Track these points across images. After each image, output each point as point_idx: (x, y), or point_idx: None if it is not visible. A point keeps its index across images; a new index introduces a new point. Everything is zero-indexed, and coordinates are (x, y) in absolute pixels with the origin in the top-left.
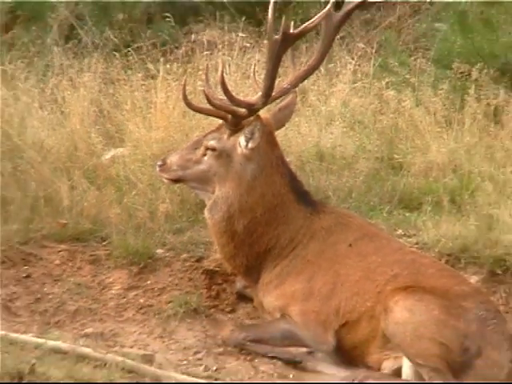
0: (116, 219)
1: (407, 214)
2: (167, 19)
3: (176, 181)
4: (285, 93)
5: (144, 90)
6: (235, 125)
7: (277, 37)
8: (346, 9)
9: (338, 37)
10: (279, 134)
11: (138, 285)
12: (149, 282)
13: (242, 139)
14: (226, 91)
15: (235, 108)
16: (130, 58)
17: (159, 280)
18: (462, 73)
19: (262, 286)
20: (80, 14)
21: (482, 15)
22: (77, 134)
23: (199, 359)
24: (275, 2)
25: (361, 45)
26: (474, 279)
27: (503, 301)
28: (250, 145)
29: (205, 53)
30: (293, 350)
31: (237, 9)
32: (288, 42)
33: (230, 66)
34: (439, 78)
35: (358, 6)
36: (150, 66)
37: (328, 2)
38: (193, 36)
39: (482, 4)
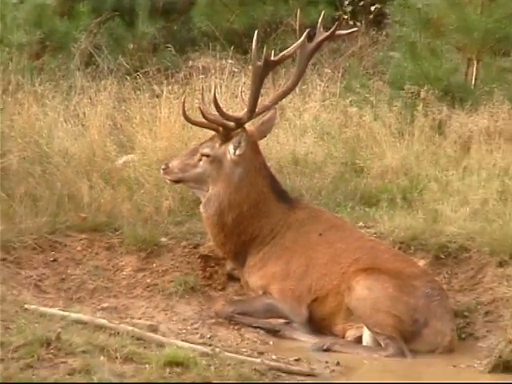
0: (127, 213)
1: (367, 209)
2: (169, 48)
3: (177, 181)
4: (266, 109)
5: (150, 107)
6: (225, 136)
7: (259, 63)
8: (317, 40)
9: (310, 63)
10: (262, 144)
11: (145, 267)
12: (154, 264)
13: (230, 147)
14: (217, 108)
15: (225, 122)
16: (139, 80)
17: (163, 263)
18: (412, 93)
19: (247, 268)
20: (97, 44)
21: (428, 45)
22: (95, 143)
23: (196, 328)
24: (258, 34)
25: (329, 70)
26: (421, 263)
27: (446, 280)
28: (237, 152)
29: (200, 76)
30: (273, 321)
31: (226, 40)
32: (269, 67)
33: (221, 87)
34: (393, 97)
35: (327, 38)
36: (155, 87)
37: (302, 34)
38: (190, 62)
39: (428, 36)
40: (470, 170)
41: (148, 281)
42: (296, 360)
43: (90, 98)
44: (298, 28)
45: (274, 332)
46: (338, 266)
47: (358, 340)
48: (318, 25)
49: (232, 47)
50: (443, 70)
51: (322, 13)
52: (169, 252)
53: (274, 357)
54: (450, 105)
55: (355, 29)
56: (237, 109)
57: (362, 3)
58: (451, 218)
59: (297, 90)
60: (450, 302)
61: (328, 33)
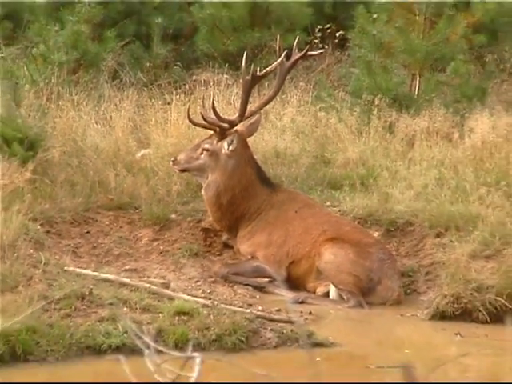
0: (144, 195)
1: (333, 192)
2: (177, 66)
3: (183, 171)
4: (253, 114)
5: (162, 112)
6: (221, 134)
7: (248, 77)
8: (292, 59)
9: (288, 77)
10: (250, 140)
11: (159, 237)
12: (166, 235)
13: (225, 144)
14: (215, 112)
15: (221, 123)
16: (153, 91)
17: (172, 234)
18: (368, 101)
19: (238, 238)
20: (121, 62)
21: (381, 64)
22: (119, 140)
23: (198, 285)
24: (247, 55)
25: (303, 83)
26: (376, 234)
27: (394, 248)
28: (230, 148)
29: (202, 88)
30: (259, 279)
31: (223, 59)
32: (255, 80)
33: (218, 96)
34: (353, 104)
35: (301, 58)
36: (167, 96)
37: (281, 55)
38: (194, 77)
39: (381, 56)
40: (413, 161)
41: (161, 248)
42: (277, 310)
43: (115, 105)
44: (278, 50)
45: (260, 288)
46: (309, 237)
47: (326, 295)
48: (294, 47)
49: (227, 65)
50: (393, 83)
51: (297, 38)
52: (177, 226)
53: (260, 308)
54: (398, 110)
55: (323, 50)
56: (230, 113)
57: (329, 30)
58: (399, 199)
59: (278, 98)
60: (397, 264)
61: (301, 53)
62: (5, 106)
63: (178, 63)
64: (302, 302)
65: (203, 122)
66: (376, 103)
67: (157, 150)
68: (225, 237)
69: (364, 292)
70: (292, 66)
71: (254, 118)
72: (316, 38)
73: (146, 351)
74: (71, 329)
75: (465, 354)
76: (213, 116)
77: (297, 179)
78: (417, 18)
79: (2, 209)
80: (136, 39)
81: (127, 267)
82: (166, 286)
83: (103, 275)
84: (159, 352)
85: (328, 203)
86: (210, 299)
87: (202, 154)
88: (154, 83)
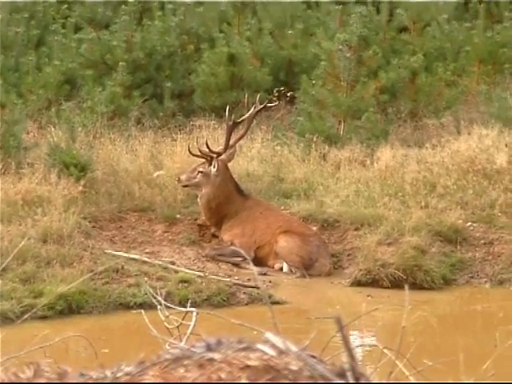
0: (159, 202)
1: (286, 200)
2: (180, 115)
3: (185, 186)
4: (232, 147)
5: (171, 146)
6: (211, 161)
7: (230, 123)
8: (255, 110)
9: (255, 122)
10: (230, 165)
11: (169, 230)
12: (173, 229)
13: (212, 167)
14: (207, 146)
15: (210, 153)
16: (165, 132)
17: (178, 229)
18: (309, 139)
19: (222, 231)
20: (143, 112)
21: (318, 113)
22: (142, 165)
23: (195, 263)
24: (229, 108)
25: (264, 127)
26: (314, 228)
27: (327, 238)
28: (215, 169)
29: (197, 130)
30: (236, 258)
31: (212, 110)
32: (235, 125)
33: (208, 136)
34: (299, 141)
35: (262, 109)
36: (174, 135)
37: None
38: (192, 123)
39: (317, 108)
40: (339, 179)
41: (170, 238)
42: (248, 279)
43: (139, 141)
44: (246, 104)
45: (236, 265)
46: (270, 230)
47: (281, 269)
48: (256, 102)
49: (213, 114)
50: (326, 127)
51: (258, 95)
52: (181, 222)
53: (236, 278)
54: (329, 145)
55: (277, 103)
56: (217, 146)
57: (283, 91)
58: (330, 205)
59: (248, 136)
60: (329, 249)
61: (262, 106)
62: (64, 141)
63: (181, 113)
64: (264, 274)
65: (198, 153)
66: (314, 140)
67: (167, 172)
68: (213, 230)
69: (306, 267)
70: (256, 114)
71: (232, 150)
72: (274, 96)
73: (159, 307)
74: (109, 292)
75: (374, 309)
76: (205, 149)
77: (261, 191)
78: (342, 83)
79: (63, 210)
80: (153, 97)
81: (147, 250)
82: (173, 263)
83: (131, 255)
84: (168, 307)
85: (282, 207)
86: (202, 272)
87: (198, 174)
88: (166, 127)
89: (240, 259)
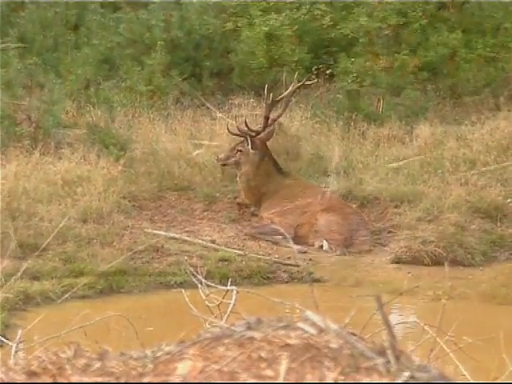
0: (198, 181)
1: (325, 178)
2: (219, 94)
3: (224, 165)
4: (270, 125)
5: (210, 125)
6: (250, 140)
7: (269, 101)
8: (294, 88)
9: (293, 100)
10: (268, 143)
11: (208, 209)
12: (213, 208)
13: (251, 146)
14: (246, 125)
15: (249, 132)
16: (204, 111)
17: (217, 207)
18: (348, 117)
19: (262, 209)
20: (182, 91)
21: (357, 92)
22: (182, 143)
23: (235, 241)
24: (267, 87)
25: (303, 105)
26: (354, 206)
27: (367, 215)
28: (255, 149)
29: (236, 109)
30: (276, 236)
31: (250, 89)
32: (273, 103)
33: (247, 114)
34: (338, 119)
35: (300, 86)
36: (213, 114)
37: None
38: (231, 101)
39: (356, 86)
40: (379, 157)
41: (209, 216)
42: (288, 258)
43: (178, 120)
44: (285, 82)
45: (276, 243)
46: (309, 208)
47: (321, 247)
48: (295, 80)
49: (253, 93)
50: (364, 104)
51: (297, 73)
52: (220, 201)
53: (276, 256)
54: (368, 123)
55: (316, 81)
56: (256, 124)
57: (322, 69)
58: (369, 182)
59: (287, 115)
60: (369, 226)
61: (300, 83)
62: (104, 121)
63: (220, 92)
64: (304, 252)
65: (238, 132)
66: (353, 118)
67: (207, 151)
68: (252, 208)
69: (346, 245)
70: (294, 92)
71: (270, 128)
72: (313, 74)
73: (200, 285)
74: (149, 271)
75: (415, 286)
76: (244, 127)
77: (301, 169)
78: (380, 60)
79: (103, 190)
80: (192, 76)
81: (187, 229)
82: (213, 241)
83: (171, 234)
84: (208, 286)
85: (322, 185)
86: (242, 250)
87: (236, 153)
88: (205, 106)
89: (280, 237)
